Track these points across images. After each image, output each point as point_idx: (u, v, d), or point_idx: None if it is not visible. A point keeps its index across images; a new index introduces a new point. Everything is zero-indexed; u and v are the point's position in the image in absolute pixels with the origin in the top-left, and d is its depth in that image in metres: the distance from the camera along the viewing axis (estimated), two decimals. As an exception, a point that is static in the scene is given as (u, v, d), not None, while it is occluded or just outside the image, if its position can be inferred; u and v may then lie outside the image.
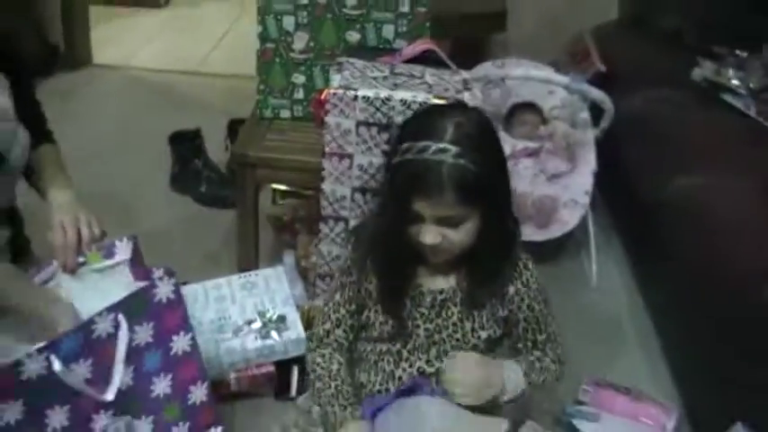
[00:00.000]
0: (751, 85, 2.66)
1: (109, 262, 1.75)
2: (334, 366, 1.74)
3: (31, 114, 1.92)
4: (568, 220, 2.63)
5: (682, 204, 2.33)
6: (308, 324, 2.17)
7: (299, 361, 2.14)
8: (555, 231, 2.64)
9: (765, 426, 1.76)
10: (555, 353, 1.75)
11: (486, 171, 1.50)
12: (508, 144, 2.71)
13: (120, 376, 1.63)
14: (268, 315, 2.21)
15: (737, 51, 2.80)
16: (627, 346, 2.49)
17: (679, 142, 2.54)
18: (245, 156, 2.32)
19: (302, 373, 2.12)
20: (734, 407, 1.90)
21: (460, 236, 1.53)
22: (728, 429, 1.79)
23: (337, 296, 1.76)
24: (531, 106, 2.79)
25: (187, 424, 1.77)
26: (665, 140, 2.59)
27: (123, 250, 1.76)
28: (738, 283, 1.95)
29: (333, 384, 1.70)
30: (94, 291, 1.72)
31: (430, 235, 1.52)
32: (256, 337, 2.16)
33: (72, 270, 1.72)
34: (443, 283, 1.67)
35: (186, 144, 3.09)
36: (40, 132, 1.95)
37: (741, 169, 2.30)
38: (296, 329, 2.17)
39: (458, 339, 1.67)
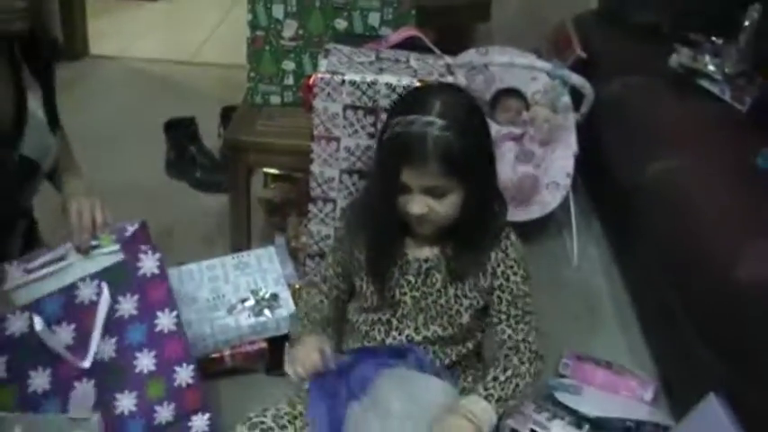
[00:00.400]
0: (726, 71, 2.68)
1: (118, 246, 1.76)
2: (316, 299, 1.85)
3: (49, 104, 1.93)
4: (550, 201, 2.68)
5: (658, 186, 2.38)
6: (298, 302, 2.24)
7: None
8: (536, 212, 2.69)
9: (737, 396, 1.79)
10: (527, 343, 1.69)
11: (471, 145, 1.57)
12: (492, 129, 2.77)
13: (96, 343, 1.65)
14: (261, 293, 2.26)
15: (714, 38, 2.84)
16: (606, 322, 2.56)
17: (656, 126, 2.58)
18: (236, 141, 2.38)
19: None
20: (708, 379, 1.93)
21: (445, 207, 1.59)
22: (702, 400, 1.82)
23: (329, 258, 1.85)
24: (514, 92, 2.84)
25: (172, 405, 1.79)
26: (643, 124, 2.64)
27: (131, 233, 1.79)
28: (710, 261, 1.99)
29: (306, 310, 1.82)
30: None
31: (417, 205, 1.58)
32: (249, 315, 2.21)
33: (86, 251, 1.73)
34: (429, 253, 1.71)
35: (181, 131, 3.15)
36: (54, 121, 1.96)
37: (715, 152, 2.34)
38: (287, 307, 2.22)
39: (442, 305, 1.71)
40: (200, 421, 1.84)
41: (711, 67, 2.71)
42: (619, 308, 2.61)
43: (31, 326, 1.56)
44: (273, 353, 2.21)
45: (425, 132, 1.52)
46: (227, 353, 2.18)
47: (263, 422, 1.60)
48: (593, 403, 2.13)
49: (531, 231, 2.76)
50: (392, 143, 1.57)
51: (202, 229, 2.79)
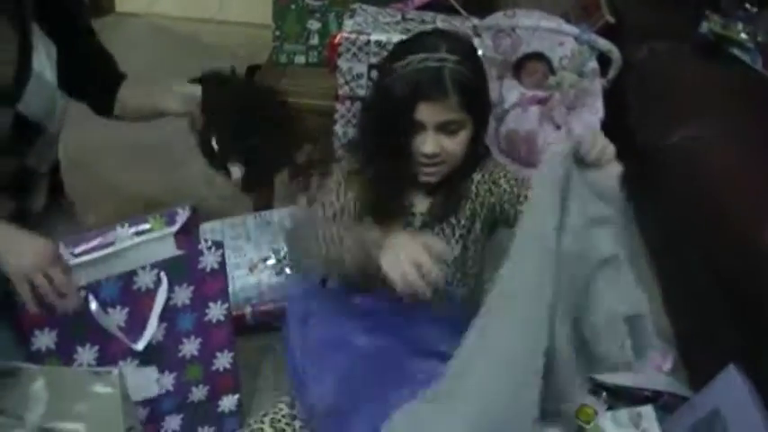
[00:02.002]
0: (759, 39, 2.65)
1: (169, 229, 1.73)
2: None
3: (102, 65, 1.96)
4: (573, 166, 2.66)
5: (684, 153, 2.36)
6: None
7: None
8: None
9: (756, 368, 1.77)
10: None
11: (481, 79, 1.61)
12: (518, 91, 2.76)
13: (153, 330, 1.67)
14: (282, 253, 2.28)
15: (747, 5, 2.80)
16: (627, 291, 2.54)
17: (684, 93, 2.56)
18: (261, 99, 2.38)
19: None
20: (727, 350, 1.93)
21: (456, 145, 1.60)
22: (722, 371, 1.81)
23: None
24: (539, 56, 2.82)
25: (207, 387, 1.83)
26: (671, 91, 2.62)
27: (182, 218, 1.75)
28: (733, 231, 1.98)
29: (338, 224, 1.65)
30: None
31: (430, 144, 1.57)
32: (271, 274, 2.24)
33: None
34: (428, 204, 1.73)
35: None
36: (116, 76, 2.00)
37: (744, 121, 2.32)
38: (308, 266, 2.24)
39: None
40: (229, 401, 1.88)
41: (743, 35, 2.67)
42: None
43: (86, 305, 1.58)
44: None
45: (442, 66, 1.53)
46: (248, 311, 2.20)
47: (261, 429, 1.62)
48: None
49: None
50: (406, 80, 1.56)
51: (224, 189, 2.79)
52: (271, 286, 2.21)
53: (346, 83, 2.04)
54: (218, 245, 1.71)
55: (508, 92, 2.77)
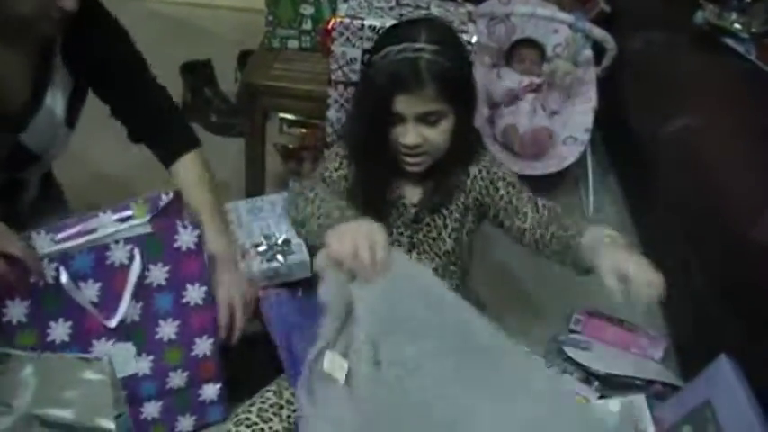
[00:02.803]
0: (753, 30, 2.63)
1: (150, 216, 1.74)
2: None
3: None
4: (567, 155, 2.66)
5: (678, 144, 2.36)
6: (311, 248, 2.24)
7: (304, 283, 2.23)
8: (553, 166, 2.67)
9: (748, 358, 1.77)
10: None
11: (461, 68, 1.60)
12: (513, 79, 2.76)
13: (125, 307, 1.64)
14: (273, 239, 2.26)
15: (741, -4, 2.80)
16: (620, 279, 2.54)
17: (678, 83, 2.55)
18: (252, 84, 2.36)
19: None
20: (719, 340, 1.94)
21: (438, 135, 1.59)
22: (713, 361, 1.81)
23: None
24: (531, 42, 2.81)
25: (186, 372, 1.79)
26: (665, 81, 2.61)
27: (164, 202, 1.76)
28: (727, 221, 1.98)
29: (329, 201, 1.58)
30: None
31: (411, 135, 1.57)
32: (262, 260, 2.21)
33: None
34: (420, 195, 1.73)
35: (197, 74, 3.13)
36: (174, 139, 1.96)
37: (737, 112, 2.31)
38: (300, 253, 2.22)
39: (434, 239, 1.74)
40: (210, 390, 1.85)
41: (737, 26, 2.66)
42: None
43: (57, 277, 1.56)
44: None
45: (418, 57, 1.52)
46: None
47: (248, 418, 1.60)
48: (603, 360, 2.14)
49: (547, 186, 2.75)
50: (384, 72, 1.56)
51: (217, 174, 2.74)
52: (262, 272, 2.19)
53: (339, 68, 2.03)
54: (195, 225, 1.69)
55: (503, 80, 2.76)
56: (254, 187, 2.55)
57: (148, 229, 1.69)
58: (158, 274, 1.68)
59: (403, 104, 1.55)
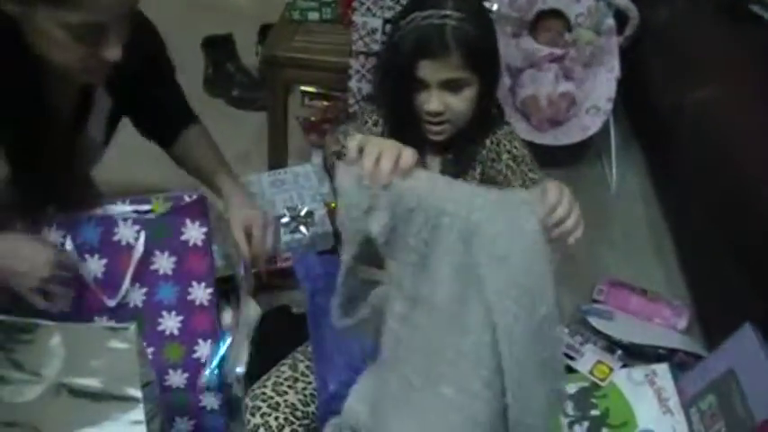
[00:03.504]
0: (782, -5, 2.61)
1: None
2: None
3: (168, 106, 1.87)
4: (590, 125, 2.64)
5: (701, 115, 2.33)
6: (334, 219, 2.25)
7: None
8: (576, 136, 2.65)
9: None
10: None
11: (487, 36, 1.59)
12: (534, 49, 2.74)
13: (126, 286, 1.65)
14: (297, 210, 2.28)
15: (769, -40, 2.76)
16: (643, 250, 2.54)
17: (702, 52, 2.52)
18: (273, 56, 2.37)
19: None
20: (742, 309, 1.93)
21: (462, 103, 1.58)
22: (737, 330, 1.82)
23: None
24: (556, 13, 2.79)
25: (186, 375, 1.74)
26: (689, 50, 2.58)
27: (187, 201, 1.74)
28: (750, 191, 1.97)
29: None
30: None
31: (435, 102, 1.56)
32: (285, 232, 2.24)
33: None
34: (438, 165, 1.72)
35: (219, 48, 3.13)
36: (182, 117, 1.91)
37: (757, 81, 2.28)
38: (323, 225, 2.24)
39: None
40: (212, 398, 1.79)
41: (765, -9, 2.62)
42: (656, 235, 2.59)
43: (63, 244, 1.58)
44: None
45: (444, 24, 1.52)
46: (262, 269, 2.20)
47: (263, 393, 1.60)
48: (626, 329, 2.14)
49: (570, 156, 2.76)
50: (410, 38, 1.55)
51: (239, 147, 2.78)
52: (285, 244, 2.21)
53: (361, 38, 2.02)
54: (204, 223, 1.68)
55: (524, 50, 2.74)
56: (277, 160, 2.56)
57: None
58: (164, 262, 1.69)
59: (427, 70, 1.54)
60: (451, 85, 1.56)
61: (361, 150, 1.18)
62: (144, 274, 1.67)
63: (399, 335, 1.26)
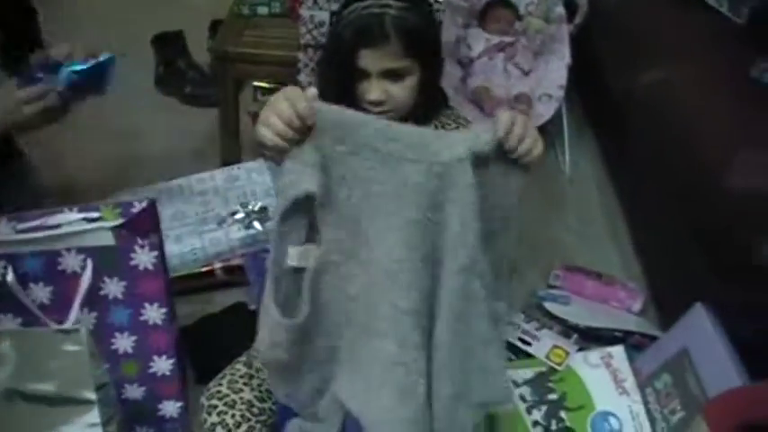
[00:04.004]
0: (725, -19, 2.64)
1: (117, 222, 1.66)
2: None
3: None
4: (543, 113, 2.65)
5: (652, 98, 2.37)
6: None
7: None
8: (529, 124, 2.66)
9: (723, 306, 1.80)
10: None
11: (427, 25, 1.60)
12: (483, 39, 2.75)
13: (75, 315, 1.63)
14: (250, 206, 2.27)
15: (713, -53, 2.78)
16: (597, 234, 2.57)
17: (651, 38, 2.54)
18: (223, 52, 2.36)
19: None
20: (695, 289, 1.95)
21: (402, 91, 1.58)
22: (689, 310, 1.84)
23: None
24: (505, 2, 2.80)
25: (143, 388, 1.76)
26: (638, 36, 2.61)
27: (137, 209, 1.68)
28: (702, 172, 1.99)
29: None
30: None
31: (375, 91, 1.56)
32: (240, 228, 2.22)
33: None
34: None
35: (169, 45, 3.11)
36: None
37: (710, 64, 2.30)
38: (278, 219, 2.24)
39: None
40: (171, 407, 1.81)
41: (709, -23, 2.65)
42: (610, 219, 2.61)
43: (4, 275, 1.56)
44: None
45: (384, 13, 1.53)
46: (217, 266, 2.20)
47: (219, 391, 1.58)
48: (582, 313, 2.16)
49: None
50: (350, 27, 1.56)
51: (193, 144, 2.78)
52: (240, 240, 2.20)
53: (308, 31, 2.02)
54: (154, 246, 1.66)
55: (474, 40, 2.75)
56: (230, 156, 2.55)
57: (110, 238, 1.65)
58: (114, 288, 1.67)
59: (367, 59, 1.55)
60: (392, 74, 1.56)
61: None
62: (94, 299, 1.66)
63: (338, 294, 1.33)
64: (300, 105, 1.23)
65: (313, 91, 1.29)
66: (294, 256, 1.30)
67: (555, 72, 2.70)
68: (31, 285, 1.60)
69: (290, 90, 1.28)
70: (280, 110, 1.24)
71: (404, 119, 1.60)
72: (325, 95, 1.61)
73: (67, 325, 1.62)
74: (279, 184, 1.31)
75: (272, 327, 1.32)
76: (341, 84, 1.60)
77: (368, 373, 1.33)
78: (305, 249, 1.30)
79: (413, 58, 1.55)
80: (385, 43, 1.52)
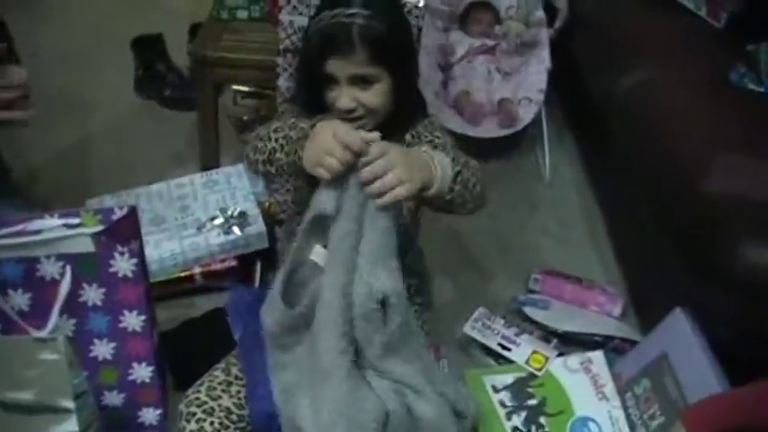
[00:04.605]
0: (702, -15, 2.66)
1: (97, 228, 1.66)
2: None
3: None
4: (523, 117, 2.65)
5: (631, 101, 2.36)
6: (268, 219, 2.25)
7: (262, 254, 2.23)
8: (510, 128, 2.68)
9: (702, 310, 1.81)
10: (470, 168, 1.58)
11: (395, 32, 1.60)
12: (465, 42, 2.75)
13: (54, 320, 1.63)
14: (230, 211, 2.25)
15: (690, -49, 2.80)
16: (577, 238, 2.57)
17: (630, 41, 2.55)
18: (202, 56, 2.35)
19: (265, 266, 2.22)
20: (675, 293, 1.96)
21: (373, 97, 1.59)
22: (669, 314, 1.84)
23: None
24: (486, 6, 2.80)
25: (122, 395, 1.77)
26: (617, 39, 2.61)
27: (117, 217, 1.68)
28: (681, 175, 1.99)
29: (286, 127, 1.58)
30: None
31: (345, 99, 1.58)
32: (219, 233, 2.21)
33: None
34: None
35: (149, 49, 3.09)
36: None
37: (689, 68, 2.32)
38: (257, 224, 2.22)
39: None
40: (150, 414, 1.81)
41: (686, -19, 2.67)
42: (590, 223, 2.62)
43: None
44: (245, 269, 2.22)
45: (351, 22, 1.54)
46: (196, 271, 2.19)
47: (197, 398, 1.57)
48: (561, 318, 2.16)
49: (503, 147, 2.77)
50: (317, 35, 1.57)
51: (173, 148, 2.77)
52: (220, 245, 2.19)
53: (288, 36, 2.02)
54: (134, 253, 1.66)
55: (456, 43, 2.76)
56: (209, 160, 2.53)
57: (89, 245, 1.64)
58: (93, 294, 1.67)
59: (335, 67, 1.56)
60: (360, 81, 1.57)
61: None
62: (72, 306, 1.65)
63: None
64: (343, 136, 1.37)
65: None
66: (318, 254, 1.50)
67: (535, 76, 2.71)
68: (10, 292, 1.60)
69: (326, 125, 1.44)
70: (326, 146, 1.39)
71: (379, 127, 1.59)
72: (300, 101, 1.65)
73: (46, 332, 1.62)
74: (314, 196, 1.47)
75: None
76: (312, 90, 1.62)
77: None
78: (324, 252, 1.47)
79: (379, 65, 1.56)
80: (351, 52, 1.54)
